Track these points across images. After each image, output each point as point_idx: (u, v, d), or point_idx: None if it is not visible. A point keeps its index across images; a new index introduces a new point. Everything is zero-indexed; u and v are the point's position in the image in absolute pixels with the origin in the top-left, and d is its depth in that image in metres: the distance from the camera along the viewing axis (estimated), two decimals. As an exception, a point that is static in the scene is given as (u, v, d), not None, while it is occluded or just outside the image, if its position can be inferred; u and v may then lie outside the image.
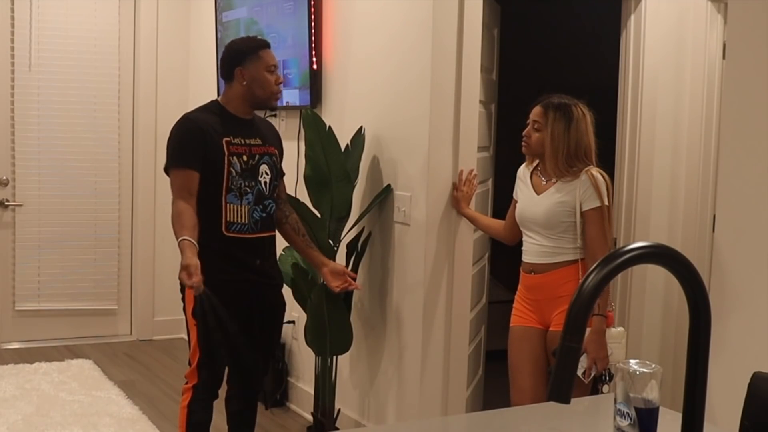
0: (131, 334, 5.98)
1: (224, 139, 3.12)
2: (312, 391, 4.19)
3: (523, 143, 3.19)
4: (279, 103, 4.55)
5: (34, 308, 5.68)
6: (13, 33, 5.49)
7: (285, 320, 4.55)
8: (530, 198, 3.17)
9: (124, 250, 5.91)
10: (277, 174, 3.29)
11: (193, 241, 2.97)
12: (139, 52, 5.85)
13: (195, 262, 2.91)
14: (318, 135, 3.80)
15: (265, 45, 3.25)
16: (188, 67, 5.96)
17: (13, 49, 5.50)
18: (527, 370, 3.18)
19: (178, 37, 5.94)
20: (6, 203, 5.56)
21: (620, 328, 3.11)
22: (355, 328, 3.96)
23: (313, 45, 4.25)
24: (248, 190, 3.15)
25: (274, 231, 3.30)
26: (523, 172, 3.27)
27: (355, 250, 3.94)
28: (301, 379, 4.58)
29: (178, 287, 3.17)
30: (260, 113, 3.49)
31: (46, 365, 5.10)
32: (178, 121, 3.20)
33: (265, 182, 3.21)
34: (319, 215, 3.85)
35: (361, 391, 4.11)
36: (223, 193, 3.11)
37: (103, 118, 5.76)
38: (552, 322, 3.12)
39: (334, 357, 3.97)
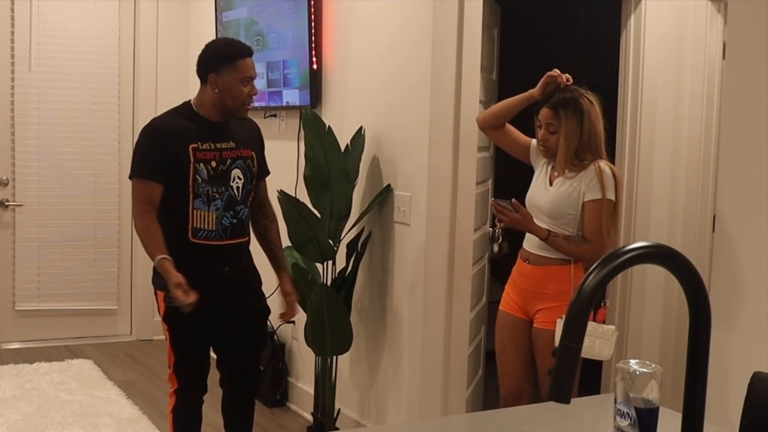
0: (131, 334, 5.98)
1: (191, 146, 3.04)
2: (312, 391, 4.19)
3: (542, 149, 3.17)
4: (279, 103, 4.58)
5: (34, 308, 5.68)
6: (13, 33, 5.49)
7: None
8: (542, 186, 3.17)
9: (124, 250, 5.91)
10: (252, 178, 3.20)
11: (170, 258, 2.96)
12: (139, 52, 5.85)
13: (183, 278, 2.91)
14: (318, 135, 3.80)
15: (244, 54, 3.11)
16: (188, 68, 5.91)
17: (13, 49, 5.50)
18: (510, 357, 3.26)
19: (178, 37, 5.94)
20: (6, 203, 5.55)
21: (612, 326, 3.12)
22: (355, 328, 3.96)
23: (313, 45, 4.24)
24: (217, 195, 3.08)
25: (247, 237, 3.23)
26: (546, 162, 3.24)
27: (355, 250, 3.94)
28: (301, 379, 4.58)
29: (152, 293, 3.18)
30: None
31: (46, 365, 5.10)
32: (145, 127, 3.12)
33: (237, 187, 3.13)
34: (319, 215, 3.85)
35: (361, 391, 4.11)
36: (190, 199, 3.05)
37: (103, 118, 5.76)
38: (536, 319, 3.16)
39: (334, 357, 3.97)
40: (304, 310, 3.92)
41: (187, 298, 2.89)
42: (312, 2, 4.21)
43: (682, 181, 4.07)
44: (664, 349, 4.08)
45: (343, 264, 3.95)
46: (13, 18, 5.48)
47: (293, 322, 4.56)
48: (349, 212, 3.89)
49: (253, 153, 3.21)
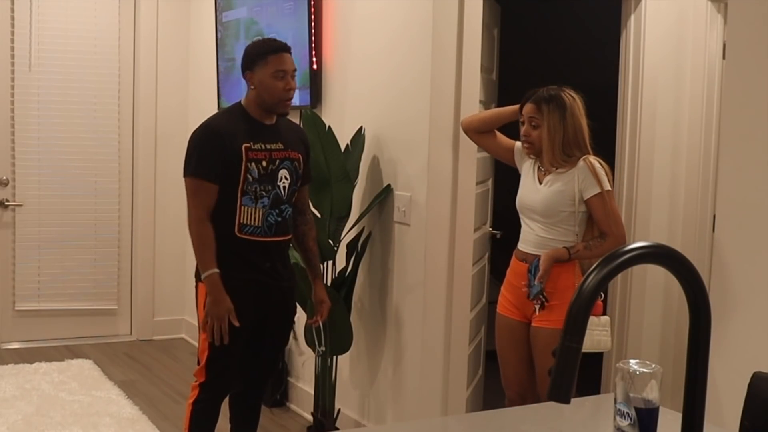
0: (131, 334, 5.97)
1: (244, 145, 3.13)
2: (312, 391, 4.19)
3: (524, 145, 3.19)
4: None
5: (34, 308, 5.68)
6: (13, 33, 5.49)
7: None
8: (532, 186, 3.18)
9: (124, 250, 5.91)
10: (298, 179, 3.28)
11: (219, 273, 3.09)
12: (139, 52, 5.84)
13: (230, 304, 3.09)
14: (318, 135, 3.80)
15: (277, 49, 3.18)
16: (188, 68, 5.96)
17: (13, 49, 5.49)
18: (510, 360, 3.28)
19: (178, 37, 5.94)
20: (6, 203, 5.55)
21: (606, 317, 3.14)
22: (355, 328, 3.97)
23: (313, 45, 4.24)
24: (264, 194, 3.16)
25: (290, 235, 3.30)
26: (532, 163, 3.26)
27: (355, 250, 3.94)
28: (301, 379, 4.58)
29: (193, 283, 3.24)
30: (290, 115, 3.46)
31: (46, 365, 5.10)
32: (200, 127, 3.20)
33: (284, 187, 3.21)
34: (319, 215, 3.85)
35: (361, 391, 4.11)
36: (239, 195, 3.13)
37: (103, 118, 5.75)
38: (534, 318, 3.15)
39: (334, 357, 3.97)
40: (304, 310, 3.93)
41: (235, 321, 3.09)
42: (312, 2, 4.21)
43: (682, 182, 4.07)
44: (664, 349, 4.08)
45: (343, 264, 3.95)
46: (13, 18, 5.48)
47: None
48: (349, 212, 3.89)
49: (300, 155, 3.29)
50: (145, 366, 5.33)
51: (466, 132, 3.42)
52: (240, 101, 3.29)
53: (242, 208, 3.13)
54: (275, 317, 3.30)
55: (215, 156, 3.10)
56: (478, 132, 3.38)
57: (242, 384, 3.37)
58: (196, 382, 3.23)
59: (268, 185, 3.16)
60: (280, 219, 3.21)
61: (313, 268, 3.43)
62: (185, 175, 3.16)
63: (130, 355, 5.57)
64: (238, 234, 3.14)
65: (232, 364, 3.23)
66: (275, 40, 3.32)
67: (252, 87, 3.18)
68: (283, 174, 3.21)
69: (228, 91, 5.10)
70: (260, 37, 3.31)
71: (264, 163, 3.16)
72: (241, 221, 3.14)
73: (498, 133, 3.38)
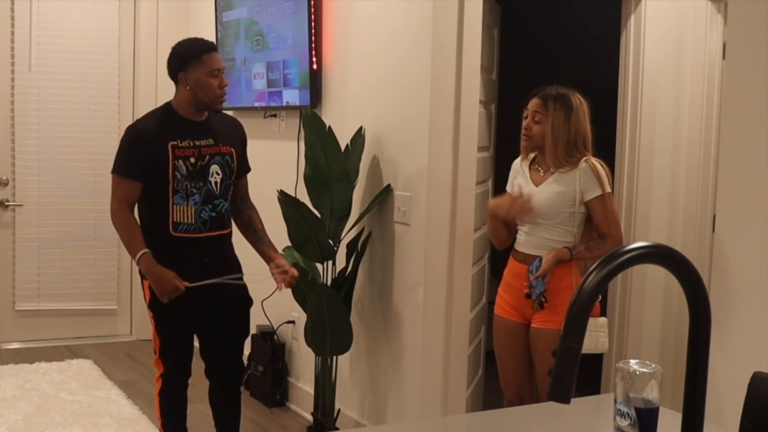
0: (131, 334, 5.98)
1: (170, 143, 3.18)
2: (312, 391, 4.19)
3: (523, 137, 3.20)
4: (279, 103, 4.58)
5: (34, 308, 5.68)
6: (13, 33, 5.49)
7: (286, 320, 4.58)
8: (530, 188, 3.18)
9: (124, 250, 5.86)
10: (231, 173, 3.32)
11: (150, 252, 3.17)
12: (139, 52, 5.85)
13: (171, 273, 3.16)
14: (318, 135, 3.80)
15: (209, 48, 3.27)
16: (188, 67, 5.96)
17: (13, 49, 5.50)
18: (509, 361, 3.28)
19: (178, 37, 5.84)
20: (6, 203, 5.56)
21: (604, 318, 3.15)
22: (355, 328, 3.97)
23: (313, 45, 4.24)
24: (195, 191, 3.21)
25: (228, 229, 3.35)
26: (520, 165, 3.27)
27: (355, 250, 3.94)
28: (301, 379, 4.58)
29: (139, 281, 3.34)
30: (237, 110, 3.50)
31: (46, 365, 5.10)
32: (128, 127, 3.30)
33: (216, 182, 3.25)
34: (319, 215, 3.85)
35: (361, 391, 4.11)
36: (170, 194, 3.19)
37: (103, 118, 5.76)
38: (534, 319, 3.15)
39: (334, 357, 3.97)
40: (304, 310, 3.93)
41: (182, 284, 3.14)
42: (312, 2, 4.21)
43: (682, 181, 4.07)
44: (664, 349, 4.08)
45: (343, 264, 3.95)
46: (13, 18, 5.48)
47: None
48: (349, 212, 3.89)
49: (232, 149, 3.33)
50: (145, 366, 5.32)
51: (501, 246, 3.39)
52: (169, 102, 3.34)
53: (174, 206, 3.19)
54: (225, 309, 3.34)
55: (139, 155, 3.18)
56: (505, 231, 3.29)
57: (216, 378, 3.44)
58: (157, 373, 3.34)
59: (198, 182, 3.21)
60: (214, 214, 3.26)
61: (265, 244, 3.42)
62: (111, 172, 3.26)
63: (130, 355, 5.57)
64: (173, 233, 3.20)
65: (183, 352, 3.32)
66: (203, 39, 3.38)
67: (187, 87, 3.23)
68: (214, 169, 3.25)
69: (227, 90, 5.09)
70: (185, 39, 3.38)
71: (192, 160, 3.20)
72: (175, 220, 3.20)
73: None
